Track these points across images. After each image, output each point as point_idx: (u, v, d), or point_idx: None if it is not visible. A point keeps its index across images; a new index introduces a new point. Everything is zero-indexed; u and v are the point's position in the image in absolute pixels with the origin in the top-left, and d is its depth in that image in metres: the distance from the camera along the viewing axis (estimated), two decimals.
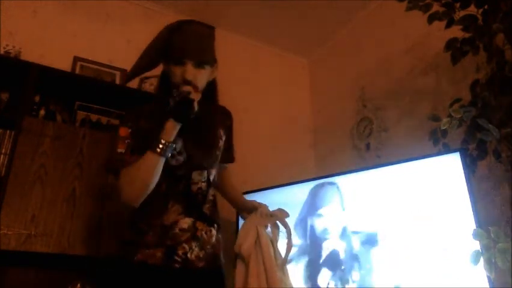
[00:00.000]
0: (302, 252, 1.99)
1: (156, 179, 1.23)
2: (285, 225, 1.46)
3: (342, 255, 1.85)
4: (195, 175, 1.33)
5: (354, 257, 1.81)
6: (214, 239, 1.36)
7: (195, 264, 1.29)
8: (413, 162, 1.75)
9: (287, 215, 1.49)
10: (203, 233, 1.32)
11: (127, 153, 1.26)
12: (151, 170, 1.21)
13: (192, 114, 1.20)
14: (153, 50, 1.35)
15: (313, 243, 1.96)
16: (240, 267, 1.39)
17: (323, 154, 3.01)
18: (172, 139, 1.22)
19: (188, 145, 1.31)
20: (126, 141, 1.28)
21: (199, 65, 1.29)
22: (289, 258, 1.42)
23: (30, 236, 1.76)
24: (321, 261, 1.92)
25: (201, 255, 1.30)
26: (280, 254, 1.42)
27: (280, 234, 1.48)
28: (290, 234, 1.43)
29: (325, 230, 1.94)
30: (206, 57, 1.32)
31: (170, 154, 1.24)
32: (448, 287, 1.49)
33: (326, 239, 1.93)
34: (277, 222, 1.47)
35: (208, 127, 1.38)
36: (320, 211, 1.98)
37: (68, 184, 1.90)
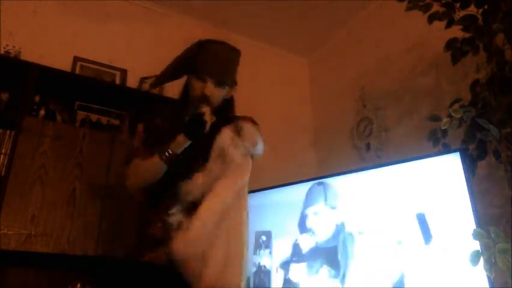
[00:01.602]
0: (301, 250, 1.99)
1: (155, 178, 1.35)
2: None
3: (336, 254, 1.86)
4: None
5: (350, 256, 1.81)
6: None
7: None
8: (413, 162, 1.74)
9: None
10: None
11: (139, 145, 1.40)
12: (153, 171, 1.34)
13: (201, 133, 1.29)
14: (181, 62, 1.43)
15: (310, 241, 1.99)
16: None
17: (323, 154, 3.01)
18: (179, 151, 1.31)
19: (193, 149, 1.34)
20: (141, 136, 1.43)
21: (219, 84, 1.37)
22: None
23: (30, 236, 1.76)
24: (315, 258, 1.93)
25: None
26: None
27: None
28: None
29: (311, 229, 1.98)
30: (226, 79, 1.40)
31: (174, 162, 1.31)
32: (447, 287, 1.49)
33: (315, 237, 1.96)
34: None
35: (212, 139, 1.38)
36: (307, 211, 2.03)
37: (68, 184, 1.90)
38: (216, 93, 1.37)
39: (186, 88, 1.44)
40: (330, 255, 1.88)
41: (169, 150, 1.30)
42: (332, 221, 1.92)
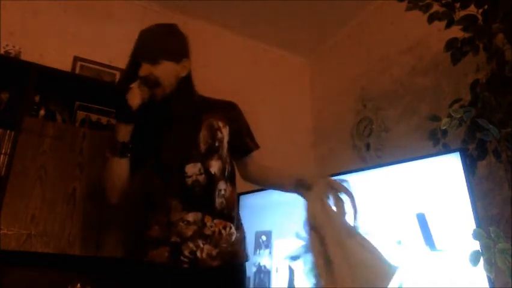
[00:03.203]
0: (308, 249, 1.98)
1: (123, 176, 1.29)
2: (348, 193, 1.33)
3: None
4: (189, 168, 1.31)
5: None
6: (233, 237, 1.33)
7: (207, 263, 1.26)
8: (413, 162, 1.74)
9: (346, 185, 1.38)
10: (217, 229, 1.29)
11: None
12: (115, 171, 1.28)
13: (129, 110, 1.23)
14: (127, 64, 1.38)
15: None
16: (314, 237, 1.29)
17: (323, 154, 3.01)
18: (125, 139, 1.26)
19: (173, 140, 1.33)
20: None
21: (153, 61, 1.30)
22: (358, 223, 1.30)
23: (30, 236, 1.76)
24: None
25: (214, 254, 1.27)
26: (347, 223, 1.31)
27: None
28: (354, 200, 1.31)
29: None
30: (160, 53, 1.31)
31: (128, 154, 1.27)
32: (448, 287, 1.49)
33: None
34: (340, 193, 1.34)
35: (187, 121, 1.37)
36: None
37: (68, 184, 1.90)
38: (155, 71, 1.29)
39: None
40: None
41: (117, 142, 1.25)
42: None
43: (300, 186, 1.41)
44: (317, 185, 1.33)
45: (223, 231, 1.30)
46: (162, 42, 1.34)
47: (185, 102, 1.37)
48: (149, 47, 1.32)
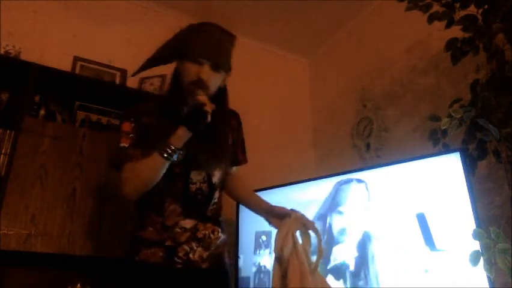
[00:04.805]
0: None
1: (157, 179, 1.25)
2: (317, 232, 1.35)
3: (352, 266, 1.78)
4: (194, 175, 1.32)
5: (366, 267, 1.75)
6: (219, 240, 1.36)
7: (198, 264, 1.29)
8: (413, 162, 1.74)
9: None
10: (207, 233, 1.32)
11: (131, 147, 1.28)
12: (155, 171, 1.23)
13: (204, 125, 1.18)
14: (170, 46, 1.34)
15: (328, 243, 1.87)
16: (277, 269, 1.32)
17: (323, 154, 3.01)
18: (181, 146, 1.21)
19: (192, 145, 1.28)
20: (130, 136, 1.29)
21: (216, 68, 1.27)
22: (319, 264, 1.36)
23: (30, 236, 1.76)
24: (328, 267, 1.86)
25: (205, 256, 1.30)
26: (311, 260, 1.38)
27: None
28: (321, 241, 1.33)
29: (343, 231, 1.85)
30: (223, 62, 1.30)
31: (176, 159, 1.23)
32: (448, 287, 1.49)
33: (341, 243, 1.85)
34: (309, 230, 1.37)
35: (217, 131, 1.35)
36: (341, 208, 1.88)
37: (68, 184, 1.90)
38: (213, 78, 1.27)
39: (176, 76, 1.34)
40: (347, 267, 1.80)
41: (171, 146, 1.18)
42: (363, 225, 1.79)
43: (270, 215, 1.41)
44: (289, 218, 1.34)
45: (211, 236, 1.33)
46: (227, 53, 1.32)
47: (217, 111, 1.30)
48: (217, 54, 1.28)
